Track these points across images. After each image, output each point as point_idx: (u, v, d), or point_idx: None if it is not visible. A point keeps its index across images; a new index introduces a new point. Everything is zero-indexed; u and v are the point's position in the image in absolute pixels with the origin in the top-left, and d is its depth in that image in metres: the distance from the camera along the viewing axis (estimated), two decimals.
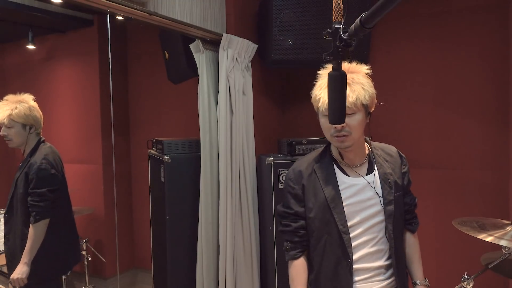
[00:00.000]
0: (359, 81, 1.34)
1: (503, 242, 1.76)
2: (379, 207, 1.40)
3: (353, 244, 1.38)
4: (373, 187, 1.41)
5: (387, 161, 1.47)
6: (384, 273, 1.42)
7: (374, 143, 1.52)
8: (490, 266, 1.91)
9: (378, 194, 1.40)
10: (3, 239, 2.36)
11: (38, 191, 2.19)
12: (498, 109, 2.64)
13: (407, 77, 2.87)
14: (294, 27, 2.66)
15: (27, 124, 2.29)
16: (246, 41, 2.65)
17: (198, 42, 2.58)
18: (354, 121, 1.34)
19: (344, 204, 1.39)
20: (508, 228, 1.88)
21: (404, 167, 1.51)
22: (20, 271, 2.13)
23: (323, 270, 1.43)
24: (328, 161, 1.46)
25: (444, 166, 2.77)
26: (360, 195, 1.40)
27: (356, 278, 1.39)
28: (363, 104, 1.35)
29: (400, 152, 1.54)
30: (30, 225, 2.19)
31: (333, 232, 1.39)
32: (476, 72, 2.70)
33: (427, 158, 2.83)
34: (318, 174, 1.44)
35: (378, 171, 1.44)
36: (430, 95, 2.83)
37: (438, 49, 2.80)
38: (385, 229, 1.40)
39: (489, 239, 1.78)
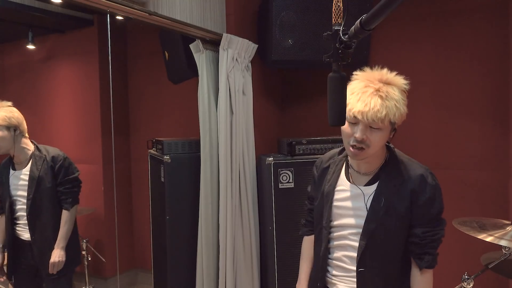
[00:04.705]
0: (394, 97, 1.27)
1: (503, 242, 1.77)
2: (362, 221, 1.35)
3: (336, 243, 1.44)
4: (364, 200, 1.36)
5: (395, 180, 1.35)
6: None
7: (401, 158, 1.40)
8: (490, 266, 1.91)
9: (367, 208, 1.35)
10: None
11: (70, 178, 2.40)
12: (498, 109, 2.64)
13: (407, 77, 2.84)
14: (294, 27, 2.65)
15: (10, 126, 2.31)
16: (246, 41, 2.65)
17: (198, 42, 2.58)
18: (376, 137, 1.29)
19: (334, 204, 1.43)
20: (508, 228, 1.89)
21: (423, 195, 1.31)
22: (60, 254, 2.31)
23: (314, 254, 1.55)
24: (341, 159, 1.50)
25: (444, 166, 2.77)
26: (349, 202, 1.40)
27: (335, 273, 1.45)
28: (390, 122, 1.29)
29: (427, 178, 1.32)
30: (65, 212, 2.37)
31: (322, 225, 1.46)
32: (476, 72, 2.69)
33: (427, 158, 2.82)
34: (330, 168, 1.52)
35: (377, 187, 1.35)
36: (430, 95, 2.83)
37: (438, 49, 2.80)
38: (358, 245, 1.36)
39: (489, 239, 1.79)
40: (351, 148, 1.32)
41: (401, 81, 1.33)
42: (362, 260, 1.35)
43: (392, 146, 1.44)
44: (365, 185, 1.38)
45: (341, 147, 1.55)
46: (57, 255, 2.30)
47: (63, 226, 2.35)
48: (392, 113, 1.26)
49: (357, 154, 1.31)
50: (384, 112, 1.24)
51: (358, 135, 1.28)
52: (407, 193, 1.32)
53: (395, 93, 1.28)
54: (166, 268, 2.74)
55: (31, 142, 2.43)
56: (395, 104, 1.27)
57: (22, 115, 2.40)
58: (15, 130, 2.32)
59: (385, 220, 1.32)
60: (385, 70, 1.33)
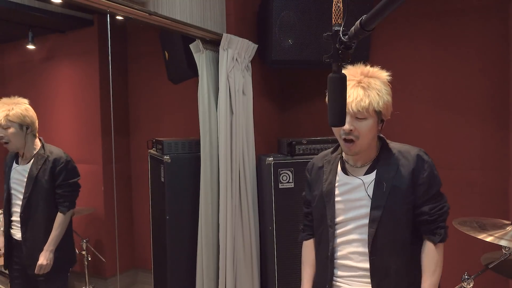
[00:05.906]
0: (376, 87, 1.32)
1: (503, 242, 1.77)
2: (366, 210, 1.37)
3: (340, 240, 1.42)
4: (365, 188, 1.38)
5: (393, 165, 1.38)
6: (369, 277, 1.38)
7: (393, 144, 1.44)
8: (490, 266, 1.91)
9: (369, 196, 1.36)
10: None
11: (69, 182, 2.36)
12: (498, 109, 2.64)
13: (407, 77, 2.86)
14: (294, 27, 2.65)
15: (24, 124, 2.31)
16: (246, 41, 2.65)
17: (198, 42, 2.58)
18: (364, 127, 1.32)
19: (336, 199, 1.44)
20: (508, 228, 1.88)
21: (423, 173, 1.36)
22: (48, 257, 2.26)
23: (318, 258, 1.53)
24: (335, 156, 1.52)
25: (444, 166, 2.76)
26: (351, 194, 1.41)
27: (340, 273, 1.43)
28: (375, 111, 1.32)
29: (423, 156, 1.38)
30: (59, 215, 2.33)
31: (326, 225, 1.45)
32: (476, 72, 2.69)
33: None
34: (325, 167, 1.52)
35: (376, 174, 1.38)
36: (430, 95, 2.83)
37: (438, 49, 2.80)
38: (367, 234, 1.36)
39: (489, 239, 1.79)
40: (343, 142, 1.36)
41: (383, 73, 1.38)
42: (373, 248, 1.35)
43: (383, 136, 1.46)
44: (364, 175, 1.41)
45: (333, 147, 1.57)
46: (45, 257, 2.26)
47: (55, 229, 2.31)
48: (375, 101, 1.30)
49: (350, 147, 1.35)
50: (367, 101, 1.29)
51: (345, 126, 1.31)
52: (407, 174, 1.36)
53: (377, 84, 1.33)
54: (166, 268, 2.74)
55: (39, 139, 2.42)
56: (377, 93, 1.31)
57: (36, 115, 2.40)
58: (27, 129, 2.32)
59: (390, 205, 1.34)
60: (368, 66, 1.37)
